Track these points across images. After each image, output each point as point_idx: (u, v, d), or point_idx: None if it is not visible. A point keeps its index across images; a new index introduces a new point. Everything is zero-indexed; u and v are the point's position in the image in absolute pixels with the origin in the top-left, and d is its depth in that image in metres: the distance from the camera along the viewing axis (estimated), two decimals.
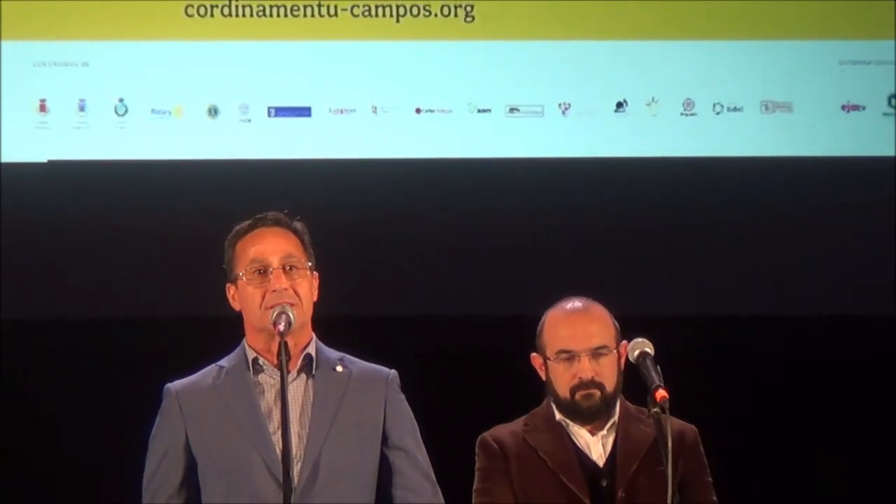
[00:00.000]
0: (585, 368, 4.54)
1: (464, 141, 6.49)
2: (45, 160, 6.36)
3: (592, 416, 4.58)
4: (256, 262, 4.10)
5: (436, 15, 6.51)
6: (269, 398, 4.06)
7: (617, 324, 4.64)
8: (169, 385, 4.17)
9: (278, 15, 6.47)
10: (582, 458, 4.57)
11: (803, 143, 6.56)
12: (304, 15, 6.47)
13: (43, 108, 6.37)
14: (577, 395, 4.56)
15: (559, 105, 6.52)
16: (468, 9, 6.52)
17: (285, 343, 3.98)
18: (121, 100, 6.40)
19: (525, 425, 4.65)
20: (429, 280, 6.43)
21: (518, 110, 6.52)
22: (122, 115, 6.40)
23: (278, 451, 3.92)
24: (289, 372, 4.04)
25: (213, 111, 6.44)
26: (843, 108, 6.60)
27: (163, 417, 4.15)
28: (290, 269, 4.09)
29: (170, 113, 6.41)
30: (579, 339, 4.56)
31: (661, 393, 4.19)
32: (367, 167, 6.44)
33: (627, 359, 4.44)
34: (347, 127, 6.46)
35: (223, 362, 4.19)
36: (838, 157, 6.56)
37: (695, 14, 6.59)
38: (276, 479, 3.92)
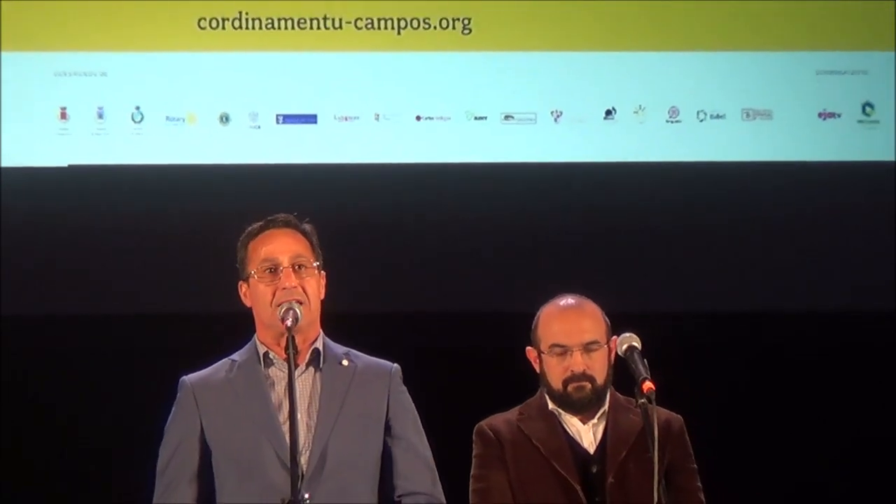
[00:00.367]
0: (577, 362, 4.55)
1: (461, 146, 6.49)
2: (65, 164, 6.35)
3: (583, 407, 4.59)
4: (267, 261, 4.12)
5: (435, 27, 6.51)
6: (279, 390, 4.07)
7: (608, 320, 4.64)
8: (184, 378, 4.18)
9: (286, 27, 6.46)
10: (573, 445, 4.57)
11: (782, 149, 6.55)
12: (311, 27, 6.46)
13: (64, 115, 6.36)
14: (569, 387, 4.56)
15: (551, 112, 6.52)
16: (465, 22, 6.52)
17: (293, 338, 3.98)
18: (137, 108, 6.39)
19: (520, 414, 4.66)
20: (429, 278, 6.41)
21: (513, 117, 6.52)
22: (139, 122, 6.39)
23: (288, 441, 3.91)
24: (297, 366, 4.05)
25: (225, 118, 6.43)
26: (820, 115, 6.59)
27: (178, 408, 4.15)
28: (299, 268, 4.11)
29: (183, 120, 6.41)
30: (572, 334, 4.56)
31: (648, 384, 4.20)
32: (370, 171, 6.43)
33: (616, 352, 4.45)
34: (351, 133, 6.45)
35: (235, 356, 4.20)
36: (815, 161, 6.55)
37: (679, 27, 6.58)
38: (286, 467, 3.92)
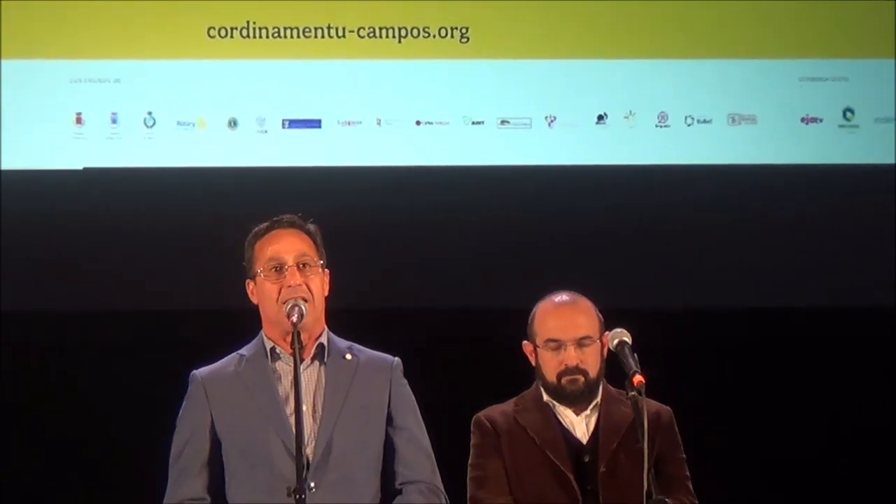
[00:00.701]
0: (571, 356, 4.56)
1: (459, 150, 6.48)
2: (81, 167, 6.34)
3: (577, 399, 4.60)
4: (273, 260, 4.12)
5: (434, 36, 6.50)
6: (286, 384, 4.07)
7: (600, 316, 4.66)
8: (195, 372, 4.19)
9: (292, 36, 6.45)
10: (567, 436, 4.59)
11: (767, 153, 6.54)
12: (315, 36, 6.45)
13: (79, 120, 6.35)
14: (563, 380, 4.58)
15: (545, 118, 6.51)
16: (463, 31, 6.52)
17: (298, 333, 3.99)
18: (149, 113, 6.39)
19: (516, 406, 4.67)
20: (428, 276, 6.40)
21: (508, 122, 6.51)
22: (151, 126, 6.38)
23: (294, 432, 3.91)
24: (303, 360, 4.06)
25: (233, 123, 6.43)
26: (803, 120, 6.58)
27: (189, 401, 4.16)
28: (304, 266, 4.11)
29: (193, 125, 6.40)
30: (566, 329, 4.57)
31: (638, 378, 4.20)
32: (372, 174, 6.42)
33: (609, 347, 4.46)
34: (354, 137, 6.44)
35: (243, 351, 4.20)
36: (798, 164, 6.55)
37: (668, 36, 6.56)
38: (292, 456, 3.92)
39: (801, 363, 6.52)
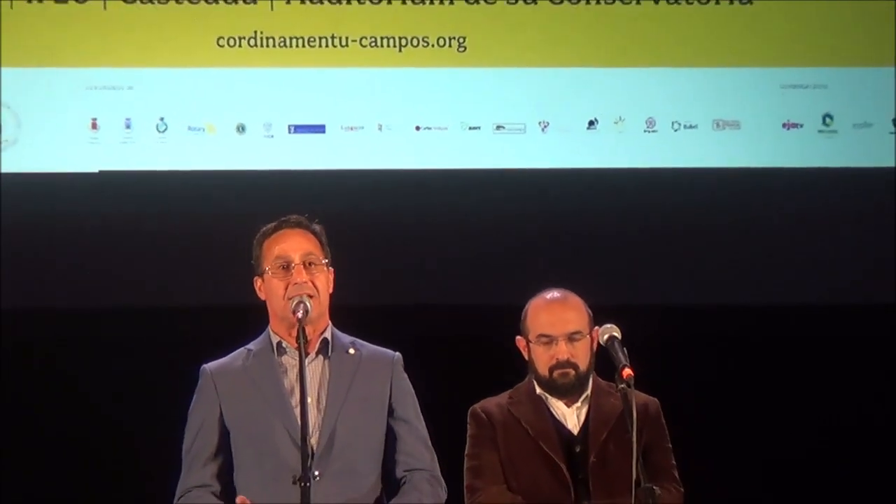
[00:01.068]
0: (562, 350, 4.57)
1: (457, 154, 6.47)
2: (96, 171, 6.33)
3: (568, 392, 4.61)
4: (280, 258, 4.13)
5: (433, 45, 6.50)
6: (291, 377, 4.08)
7: (590, 312, 4.66)
8: (205, 366, 4.20)
9: (297, 45, 6.44)
10: (559, 427, 4.60)
11: (750, 156, 6.54)
12: (320, 45, 6.44)
13: (94, 125, 6.34)
14: (555, 374, 4.58)
15: (539, 123, 6.50)
16: (461, 40, 6.51)
17: (303, 328, 4.00)
18: (161, 119, 6.37)
19: (510, 398, 4.68)
20: (427, 274, 6.39)
21: (504, 128, 6.50)
22: (163, 131, 6.37)
23: (299, 423, 3.92)
24: (308, 354, 4.06)
25: (241, 128, 6.42)
26: (784, 125, 6.58)
27: (199, 394, 4.17)
28: (310, 264, 4.11)
29: (204, 130, 6.39)
30: (557, 325, 4.58)
31: (627, 371, 4.20)
32: (374, 177, 6.41)
33: (599, 341, 4.46)
34: (357, 142, 6.43)
35: (251, 346, 4.21)
36: (780, 168, 6.55)
37: (656, 45, 6.55)
38: (297, 446, 3.94)
39: (784, 359, 6.53)
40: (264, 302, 4.20)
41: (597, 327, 4.52)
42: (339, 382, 4.10)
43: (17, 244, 6.25)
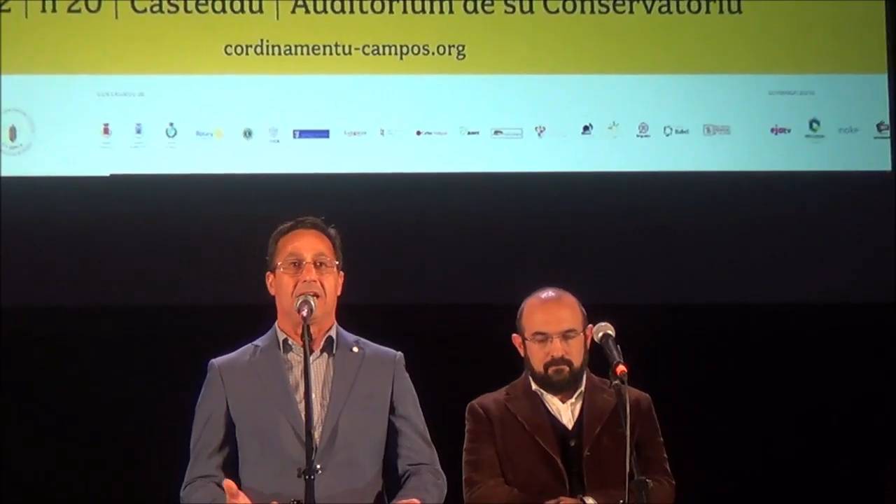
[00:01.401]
0: (557, 348, 4.59)
1: (456, 158, 6.46)
2: (107, 174, 6.33)
3: (563, 387, 4.62)
4: (292, 256, 4.13)
5: (433, 53, 6.49)
6: (297, 373, 4.08)
7: (584, 310, 4.67)
8: (213, 360, 4.20)
9: (302, 53, 6.44)
10: (554, 422, 4.61)
11: (739, 160, 6.53)
12: (324, 53, 6.44)
13: (106, 130, 6.34)
14: (550, 370, 4.60)
15: (536, 128, 6.50)
16: (460, 48, 6.51)
17: (308, 326, 4.00)
18: (171, 124, 6.37)
19: (506, 394, 4.70)
20: (428, 274, 6.38)
21: (501, 132, 6.50)
22: (172, 136, 6.37)
23: (303, 418, 3.92)
24: (312, 351, 4.06)
25: (248, 133, 6.42)
26: (772, 130, 6.57)
27: (207, 388, 4.18)
28: (320, 265, 4.12)
29: (211, 135, 6.38)
30: (552, 323, 4.60)
31: (621, 368, 4.22)
32: (376, 180, 6.41)
33: (593, 339, 4.47)
34: (359, 146, 6.43)
35: (258, 342, 4.21)
36: (768, 171, 6.55)
37: (648, 53, 6.54)
38: (301, 441, 3.94)
39: (769, 355, 6.54)
40: (272, 299, 4.20)
41: (591, 325, 4.55)
42: (342, 379, 4.10)
43: (32, 244, 6.26)
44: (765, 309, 6.50)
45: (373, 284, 5.91)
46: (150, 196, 6.34)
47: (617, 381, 4.22)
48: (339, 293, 4.18)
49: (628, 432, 4.13)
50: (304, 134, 6.44)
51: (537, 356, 4.61)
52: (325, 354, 4.14)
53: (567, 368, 4.59)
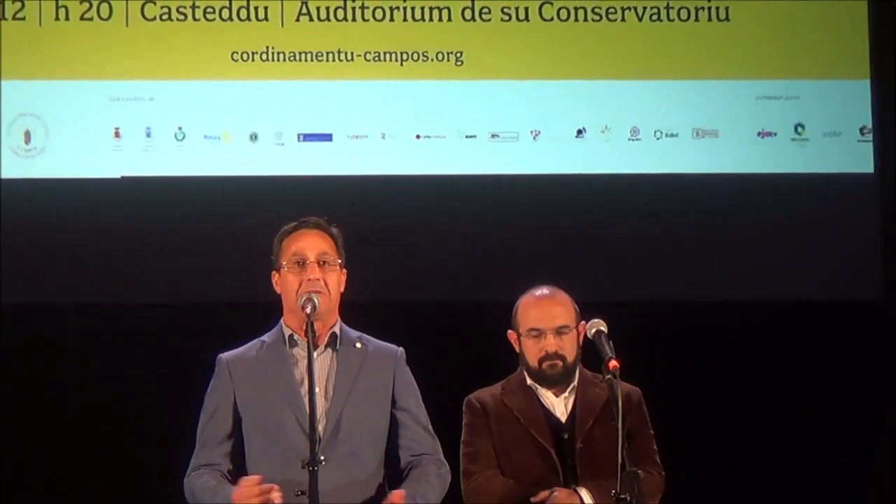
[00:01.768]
0: (551, 343, 4.59)
1: (455, 161, 6.46)
2: (118, 176, 6.33)
3: (556, 382, 4.63)
4: (296, 255, 4.16)
5: (432, 59, 6.49)
6: (302, 368, 4.10)
7: (577, 307, 4.68)
8: (221, 355, 4.23)
9: (305, 59, 6.43)
10: (548, 415, 4.62)
11: (727, 163, 6.53)
12: (327, 60, 6.43)
13: (117, 134, 6.33)
14: (544, 365, 4.60)
15: (531, 132, 6.50)
16: (458, 55, 6.51)
17: (312, 323, 4.01)
18: (179, 128, 6.37)
19: (502, 389, 4.70)
20: (427, 273, 6.37)
21: (498, 136, 6.50)
22: (181, 140, 6.37)
23: (307, 411, 3.93)
24: (317, 346, 4.08)
25: (254, 137, 6.41)
26: (759, 134, 6.57)
27: (215, 381, 4.20)
28: (324, 263, 4.14)
29: (219, 138, 6.38)
30: (546, 319, 4.60)
31: (613, 363, 4.24)
32: (378, 182, 6.41)
33: (586, 335, 4.49)
34: (361, 150, 6.42)
35: (265, 337, 4.24)
36: (755, 173, 6.55)
37: (639, 59, 6.54)
38: (305, 433, 3.96)
39: (757, 351, 6.54)
40: (278, 297, 4.23)
41: (583, 322, 4.55)
42: (345, 374, 4.13)
43: (46, 244, 6.25)
44: (753, 306, 6.48)
45: (375, 282, 5.90)
46: (160, 197, 6.33)
47: (609, 376, 4.24)
48: (342, 290, 4.21)
49: (620, 425, 4.15)
50: (307, 137, 6.44)
51: (532, 351, 4.62)
52: (329, 350, 4.16)
53: (560, 363, 4.60)
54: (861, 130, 6.62)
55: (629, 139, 6.55)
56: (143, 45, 6.39)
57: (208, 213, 6.35)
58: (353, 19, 6.50)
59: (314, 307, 4.04)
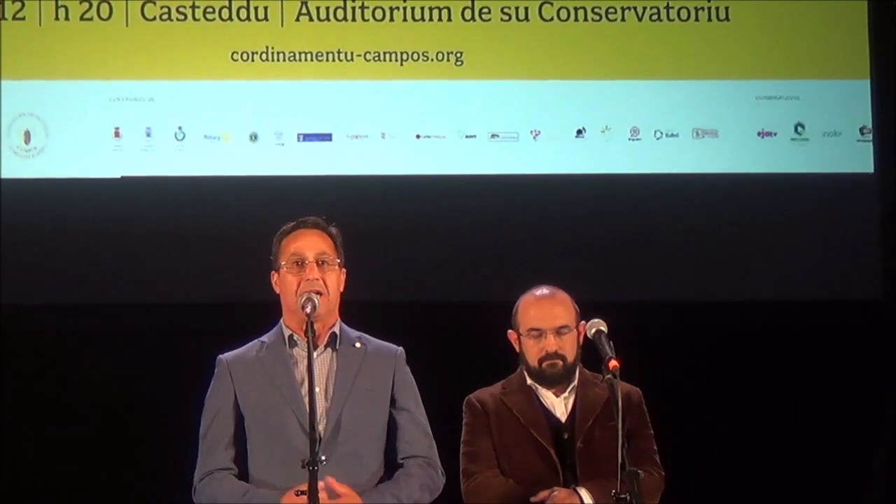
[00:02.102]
0: (551, 343, 4.59)
1: (455, 161, 6.46)
2: (118, 176, 6.33)
3: (556, 382, 4.63)
4: (295, 255, 4.15)
5: (432, 59, 6.49)
6: (302, 368, 4.09)
7: (577, 307, 4.68)
8: (221, 356, 4.23)
9: (305, 59, 6.43)
10: (548, 415, 4.62)
11: (727, 163, 6.53)
12: (327, 60, 6.44)
13: (117, 134, 6.33)
14: (544, 365, 4.61)
15: (531, 132, 6.50)
16: (458, 55, 6.51)
17: (311, 322, 4.01)
18: (179, 128, 6.37)
19: (502, 388, 4.70)
20: (427, 272, 6.37)
21: (498, 136, 6.50)
22: (181, 140, 6.37)
23: (308, 411, 3.93)
24: (317, 346, 4.07)
25: (254, 137, 6.42)
26: (759, 134, 6.57)
27: (216, 381, 4.20)
28: (323, 263, 4.13)
29: (219, 138, 6.38)
30: (546, 319, 4.61)
31: (613, 363, 4.24)
32: (378, 182, 6.41)
33: (586, 335, 4.49)
34: (361, 150, 6.42)
35: (264, 338, 4.24)
36: (755, 173, 6.55)
37: (639, 59, 6.54)
38: (306, 432, 3.95)
39: (757, 351, 6.54)
40: (277, 297, 4.23)
41: (583, 321, 4.55)
42: (345, 374, 4.13)
43: (46, 244, 6.26)
44: (752, 306, 6.49)
45: (374, 282, 5.92)
46: (160, 197, 6.33)
47: (609, 376, 4.23)
48: (341, 290, 4.21)
49: (620, 425, 4.15)
50: (307, 137, 6.44)
51: (532, 351, 4.62)
52: (328, 349, 4.16)
53: (560, 363, 4.60)
54: (861, 130, 6.63)
55: (629, 139, 6.55)
56: (143, 45, 6.39)
57: (208, 213, 6.35)
58: (353, 19, 6.51)
59: (314, 307, 4.04)
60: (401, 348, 4.27)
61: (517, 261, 6.33)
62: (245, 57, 6.43)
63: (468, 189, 6.48)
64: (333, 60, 6.47)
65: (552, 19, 6.59)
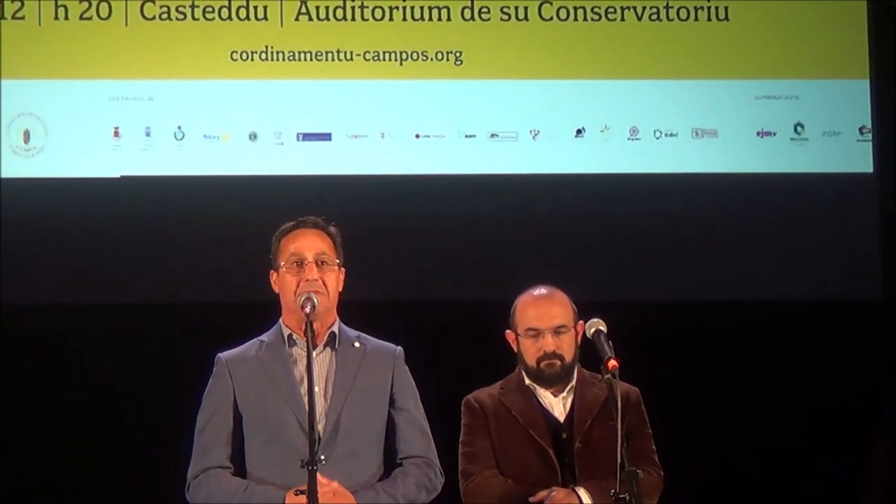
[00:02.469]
0: (549, 343, 4.59)
1: (454, 160, 6.47)
2: (118, 175, 6.33)
3: (554, 381, 4.63)
4: (295, 255, 4.15)
5: (432, 59, 6.49)
6: (301, 367, 4.09)
7: (575, 307, 4.68)
8: (220, 354, 4.22)
9: (305, 59, 6.44)
10: (546, 415, 4.62)
11: (726, 163, 6.54)
12: (326, 59, 6.44)
13: (117, 133, 6.34)
14: (542, 365, 4.61)
15: (530, 131, 6.51)
16: (458, 54, 6.52)
17: (310, 322, 4.02)
18: (179, 127, 6.38)
19: (501, 388, 4.70)
20: (427, 272, 6.39)
21: (497, 136, 6.51)
22: (180, 139, 6.37)
23: (307, 410, 3.93)
24: (316, 346, 4.08)
25: (253, 136, 6.42)
26: (758, 134, 6.58)
27: (215, 380, 4.19)
28: (322, 263, 4.13)
29: (218, 138, 6.38)
30: (544, 319, 4.61)
31: (612, 362, 4.23)
32: (377, 182, 6.42)
33: (585, 335, 4.49)
34: (361, 149, 6.43)
35: (264, 337, 4.23)
36: (754, 173, 6.56)
37: (639, 59, 6.55)
38: (305, 432, 3.95)
39: (756, 350, 6.54)
40: (277, 296, 4.23)
41: (582, 321, 4.55)
42: (344, 373, 4.13)
43: (45, 244, 6.27)
44: (753, 306, 6.50)
45: (373, 282, 5.92)
46: (159, 197, 6.34)
47: (608, 375, 4.24)
48: (340, 290, 4.21)
49: (619, 425, 4.16)
50: (307, 137, 6.44)
51: (530, 351, 4.63)
52: (327, 349, 4.17)
53: (559, 363, 4.60)
54: (860, 130, 6.64)
55: (628, 139, 6.56)
56: (142, 44, 6.39)
57: (208, 213, 6.35)
58: (353, 19, 6.51)
59: (313, 307, 4.05)
60: (400, 348, 4.28)
61: (517, 261, 6.33)
62: (244, 56, 6.43)
63: (467, 189, 6.48)
64: (333, 60, 6.47)
65: (552, 19, 6.59)
